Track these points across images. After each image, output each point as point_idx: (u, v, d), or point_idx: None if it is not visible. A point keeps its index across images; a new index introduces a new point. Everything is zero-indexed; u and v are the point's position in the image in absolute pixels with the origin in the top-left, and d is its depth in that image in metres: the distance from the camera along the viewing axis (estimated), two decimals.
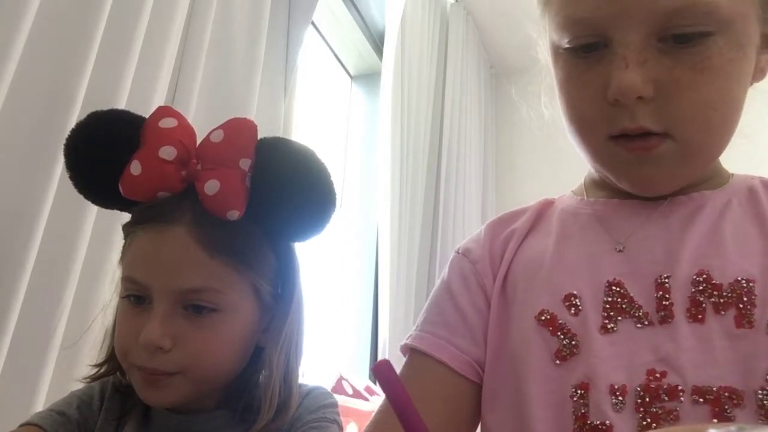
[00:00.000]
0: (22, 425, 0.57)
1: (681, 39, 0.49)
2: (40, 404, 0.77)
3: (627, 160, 0.53)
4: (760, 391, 0.46)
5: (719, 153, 0.56)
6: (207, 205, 0.56)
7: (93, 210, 0.85)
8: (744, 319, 0.49)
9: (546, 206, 0.65)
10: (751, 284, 0.50)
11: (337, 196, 0.58)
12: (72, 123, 0.62)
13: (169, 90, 1.04)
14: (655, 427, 0.47)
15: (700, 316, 0.50)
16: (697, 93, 0.50)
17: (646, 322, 0.51)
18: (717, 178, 0.58)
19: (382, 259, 1.89)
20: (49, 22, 0.82)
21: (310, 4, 1.46)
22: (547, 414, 0.52)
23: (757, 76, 0.55)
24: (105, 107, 0.61)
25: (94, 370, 0.62)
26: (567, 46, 0.54)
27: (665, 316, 0.51)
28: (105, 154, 0.58)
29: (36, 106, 0.79)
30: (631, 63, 0.50)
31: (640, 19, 0.49)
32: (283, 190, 0.56)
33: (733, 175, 0.59)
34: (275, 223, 0.58)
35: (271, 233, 0.59)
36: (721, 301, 0.50)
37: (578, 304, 0.54)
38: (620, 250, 0.56)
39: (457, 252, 0.65)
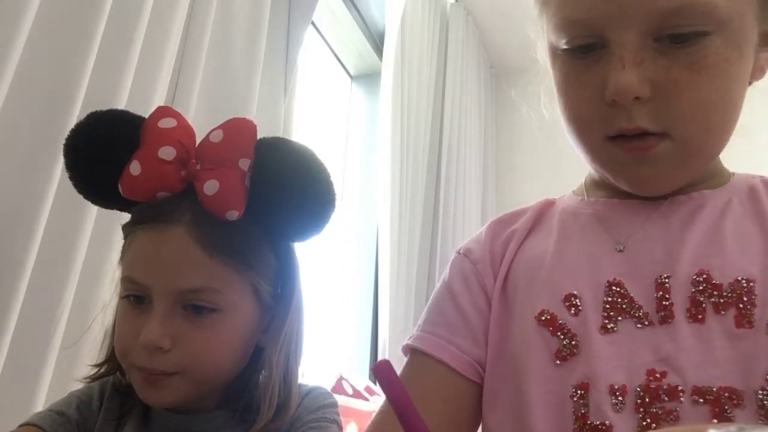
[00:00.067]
0: (21, 425, 0.57)
1: (678, 39, 0.49)
2: (40, 404, 0.77)
3: (625, 161, 0.53)
4: (760, 392, 0.46)
5: (718, 152, 0.56)
6: (206, 205, 0.56)
7: (93, 210, 0.85)
8: (744, 319, 0.49)
9: (546, 206, 0.65)
10: (751, 284, 0.50)
11: (336, 196, 0.58)
12: (72, 123, 0.62)
13: (169, 90, 1.04)
14: (655, 428, 0.47)
15: (700, 316, 0.50)
16: (694, 93, 0.50)
17: (646, 322, 0.51)
18: (717, 177, 0.58)
19: (382, 259, 1.89)
20: (49, 22, 0.82)
21: (310, 4, 1.46)
22: (547, 414, 0.52)
23: (756, 75, 0.55)
24: (105, 107, 0.61)
25: (94, 370, 0.62)
26: (564, 47, 0.54)
27: (665, 316, 0.51)
28: (104, 154, 0.58)
29: (36, 106, 0.79)
30: (627, 63, 0.50)
31: (636, 19, 0.49)
32: (282, 190, 0.56)
33: (734, 174, 0.59)
34: (275, 223, 0.58)
35: (271, 233, 0.59)
36: (721, 301, 0.50)
37: (578, 304, 0.54)
38: (620, 250, 0.56)
39: (458, 252, 0.65)
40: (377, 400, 1.56)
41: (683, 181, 0.56)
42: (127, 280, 0.57)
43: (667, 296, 0.52)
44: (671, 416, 0.47)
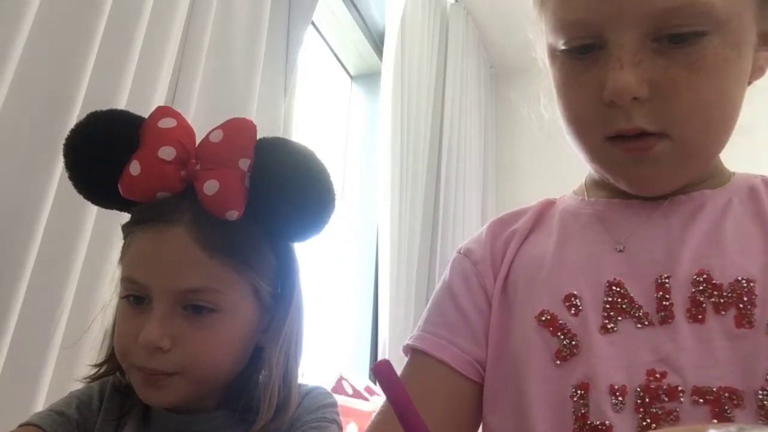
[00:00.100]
0: (21, 425, 0.57)
1: (676, 39, 0.49)
2: (40, 404, 0.77)
3: (624, 161, 0.53)
4: (760, 392, 0.46)
5: (717, 152, 0.56)
6: (206, 205, 0.56)
7: (93, 210, 0.85)
8: (744, 319, 0.49)
9: (547, 206, 0.65)
10: (751, 284, 0.50)
11: (336, 196, 0.58)
12: (72, 123, 0.62)
13: (169, 90, 1.04)
14: (655, 428, 0.47)
15: (700, 316, 0.50)
16: (693, 93, 0.50)
17: (646, 323, 0.51)
18: (718, 177, 0.58)
19: (382, 259, 1.89)
20: (49, 22, 0.82)
21: (310, 4, 1.46)
22: (547, 414, 0.52)
23: (756, 74, 0.55)
24: (105, 107, 0.61)
25: (94, 370, 0.62)
26: (563, 47, 0.54)
27: (665, 316, 0.51)
28: (104, 154, 0.58)
29: (36, 106, 0.79)
30: (625, 64, 0.50)
31: (634, 19, 0.49)
32: (282, 190, 0.56)
33: (734, 174, 0.59)
34: (274, 223, 0.58)
35: (271, 233, 0.59)
36: (722, 301, 0.50)
37: (578, 304, 0.54)
38: (620, 250, 0.56)
39: (459, 252, 0.65)
40: (377, 400, 1.56)
41: (682, 181, 0.56)
42: (126, 280, 0.57)
43: (667, 296, 0.52)
44: (671, 416, 0.47)
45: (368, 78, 2.34)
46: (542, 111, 0.65)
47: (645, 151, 0.52)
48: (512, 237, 0.63)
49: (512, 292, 0.59)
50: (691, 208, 0.55)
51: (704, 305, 0.50)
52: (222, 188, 0.55)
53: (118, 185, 0.57)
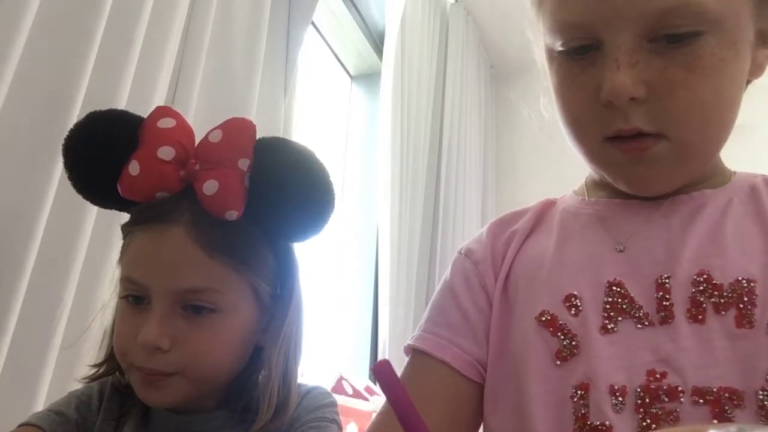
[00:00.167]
0: (20, 425, 0.57)
1: (672, 39, 0.49)
2: (40, 404, 0.77)
3: (622, 162, 0.53)
4: (760, 392, 0.46)
5: (715, 152, 0.56)
6: (205, 205, 0.55)
7: (93, 210, 0.85)
8: (744, 319, 0.49)
9: (547, 206, 0.65)
10: (751, 284, 0.49)
11: (336, 196, 0.58)
12: (72, 123, 0.62)
13: (169, 90, 1.04)
14: (655, 428, 0.47)
15: (700, 317, 0.50)
16: (690, 93, 0.50)
17: (647, 323, 0.51)
18: (718, 176, 0.58)
19: (382, 259, 1.89)
20: (49, 22, 0.82)
21: (310, 4, 1.46)
22: (548, 414, 0.52)
23: (756, 73, 0.55)
24: (105, 107, 0.61)
25: (93, 370, 0.62)
26: (560, 49, 0.54)
27: (665, 316, 0.51)
28: (103, 154, 0.58)
29: (36, 106, 0.79)
30: (622, 65, 0.50)
31: (630, 20, 0.49)
32: (281, 190, 0.56)
33: (735, 173, 0.59)
34: (274, 223, 0.58)
35: (270, 233, 0.59)
36: (722, 301, 0.50)
37: (578, 304, 0.54)
38: (621, 250, 0.56)
39: (460, 253, 0.65)
40: (377, 400, 1.56)
41: (681, 182, 0.56)
42: (126, 280, 0.57)
43: (667, 296, 0.51)
44: (671, 417, 0.47)
45: (368, 78, 2.34)
46: (542, 111, 0.65)
47: (643, 151, 0.52)
48: (513, 237, 0.63)
49: (513, 292, 0.59)
50: (692, 208, 0.55)
51: (704, 305, 0.50)
52: (221, 188, 0.55)
53: (118, 185, 0.57)
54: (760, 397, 0.46)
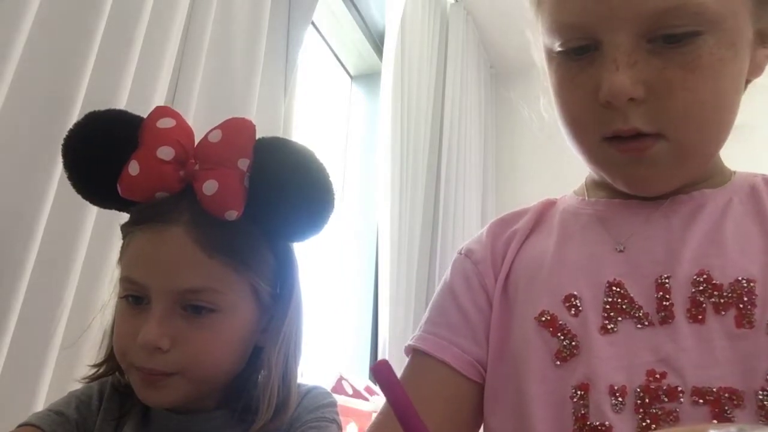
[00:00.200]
0: (20, 425, 0.57)
1: (671, 39, 0.49)
2: (40, 404, 0.77)
3: (621, 162, 0.53)
4: (760, 392, 0.46)
5: (715, 152, 0.56)
6: (205, 205, 0.55)
7: (93, 210, 0.85)
8: (744, 319, 0.49)
9: (547, 206, 0.65)
10: (751, 284, 0.49)
11: (335, 196, 0.58)
12: (72, 123, 0.62)
13: (169, 90, 1.04)
14: (655, 428, 0.47)
15: (700, 317, 0.50)
16: (688, 93, 0.50)
17: (646, 323, 0.51)
18: (718, 176, 0.58)
19: (382, 259, 1.89)
20: (49, 22, 0.82)
21: (310, 4, 1.46)
22: (548, 414, 0.52)
23: (755, 73, 0.55)
24: (105, 107, 0.61)
25: (93, 370, 0.62)
26: (559, 49, 0.54)
27: (665, 316, 0.51)
28: (103, 154, 0.58)
29: (36, 106, 0.79)
30: (621, 65, 0.49)
31: (628, 20, 0.49)
32: (281, 190, 0.56)
33: (735, 173, 0.59)
34: (274, 223, 0.58)
35: (270, 233, 0.59)
36: (722, 301, 0.50)
37: (578, 304, 0.54)
38: (621, 251, 0.56)
39: (460, 253, 0.65)
40: (377, 400, 1.56)
41: (680, 182, 0.56)
42: (125, 280, 0.57)
43: (667, 296, 0.51)
44: (671, 417, 0.47)
45: (368, 78, 2.34)
46: (542, 111, 0.65)
47: (642, 151, 0.52)
48: (513, 237, 0.63)
49: (513, 292, 0.59)
50: (692, 208, 0.55)
51: (704, 305, 0.50)
52: (221, 188, 0.55)
53: (117, 185, 0.57)
54: (760, 397, 0.46)
